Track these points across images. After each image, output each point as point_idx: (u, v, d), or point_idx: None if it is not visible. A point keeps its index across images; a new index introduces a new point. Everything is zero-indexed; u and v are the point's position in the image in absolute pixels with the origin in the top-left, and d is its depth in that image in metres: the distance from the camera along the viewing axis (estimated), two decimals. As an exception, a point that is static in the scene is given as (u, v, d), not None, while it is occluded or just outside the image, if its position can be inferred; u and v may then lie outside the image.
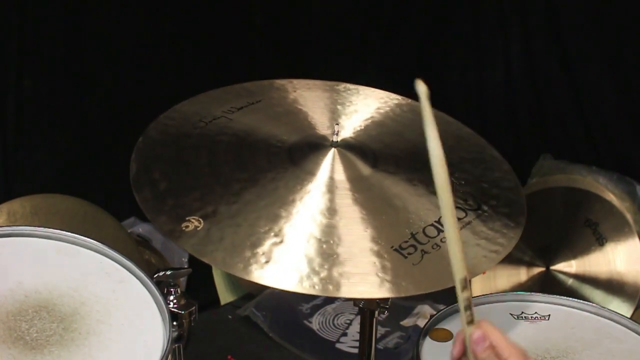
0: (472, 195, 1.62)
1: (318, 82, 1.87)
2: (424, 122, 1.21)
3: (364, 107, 1.80)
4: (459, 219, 1.55)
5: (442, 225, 1.53)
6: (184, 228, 1.45)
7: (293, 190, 1.53)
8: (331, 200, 1.53)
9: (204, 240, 1.44)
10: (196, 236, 1.45)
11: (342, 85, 1.86)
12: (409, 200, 1.57)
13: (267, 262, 1.42)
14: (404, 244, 1.48)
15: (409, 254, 1.47)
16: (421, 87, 1.24)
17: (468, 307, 1.22)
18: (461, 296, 1.22)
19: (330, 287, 1.40)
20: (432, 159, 1.20)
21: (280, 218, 1.48)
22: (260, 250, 1.43)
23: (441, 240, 1.51)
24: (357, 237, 1.48)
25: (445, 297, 1.38)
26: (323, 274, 1.41)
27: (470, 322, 1.23)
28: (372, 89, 1.86)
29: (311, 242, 1.45)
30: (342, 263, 1.43)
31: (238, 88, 1.82)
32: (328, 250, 1.44)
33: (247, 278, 1.40)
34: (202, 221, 1.47)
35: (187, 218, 1.47)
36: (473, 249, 1.52)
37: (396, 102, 1.84)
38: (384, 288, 1.42)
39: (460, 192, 1.62)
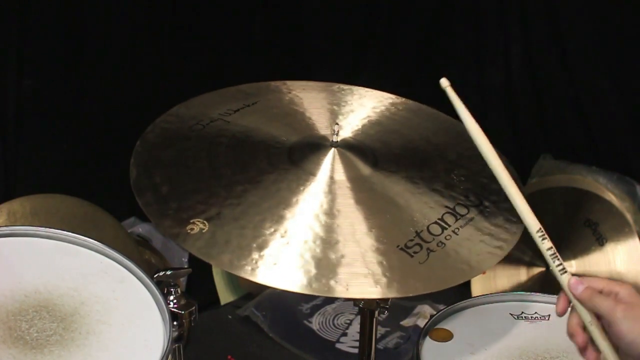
0: (473, 192, 1.62)
1: (312, 83, 1.87)
2: (457, 110, 1.42)
3: (359, 106, 1.81)
4: (461, 215, 1.56)
5: (446, 222, 1.53)
6: (189, 231, 1.45)
7: (296, 191, 1.53)
8: (334, 201, 1.53)
9: (210, 242, 1.44)
10: (202, 239, 1.45)
11: (337, 86, 1.87)
12: (411, 198, 1.57)
13: (274, 264, 1.42)
14: (409, 243, 1.48)
15: (415, 252, 1.47)
16: (444, 82, 1.45)
17: (555, 257, 1.30)
18: (544, 248, 1.30)
19: (340, 288, 1.40)
20: (472, 132, 1.41)
21: (285, 219, 1.48)
22: (267, 252, 1.43)
23: (446, 238, 1.51)
24: (362, 236, 1.48)
25: (446, 297, 1.39)
26: (332, 275, 1.41)
27: (563, 271, 1.29)
28: (366, 89, 1.87)
29: (317, 243, 1.45)
30: (349, 264, 1.43)
31: (233, 90, 1.82)
32: (335, 251, 1.44)
33: (255, 280, 1.40)
34: (206, 223, 1.47)
35: (191, 221, 1.47)
36: (477, 245, 1.52)
37: (390, 101, 1.85)
38: (392, 288, 1.42)
39: (461, 189, 1.62)
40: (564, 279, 1.29)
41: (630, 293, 1.28)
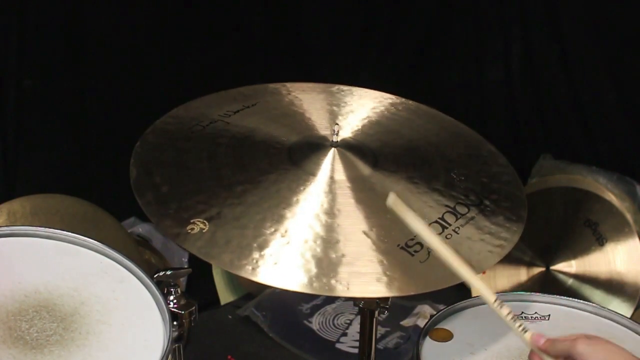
0: (473, 191, 1.62)
1: (311, 85, 1.88)
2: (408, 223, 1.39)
3: (359, 107, 1.81)
4: (462, 214, 1.56)
5: (446, 221, 1.53)
6: (189, 231, 1.45)
7: (296, 191, 1.53)
8: (334, 200, 1.53)
9: (211, 242, 1.44)
10: (202, 239, 1.45)
11: (336, 87, 1.87)
12: (411, 198, 1.57)
13: (275, 263, 1.42)
14: (409, 242, 1.49)
15: (416, 251, 1.47)
16: (391, 198, 1.41)
17: (515, 320, 1.35)
18: (504, 315, 1.35)
19: (341, 287, 1.40)
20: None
21: (285, 219, 1.48)
22: (267, 251, 1.43)
23: (446, 237, 1.51)
24: (362, 236, 1.48)
25: (445, 297, 1.39)
26: (332, 274, 1.41)
27: (524, 331, 1.34)
28: (365, 90, 1.87)
29: (318, 243, 1.45)
30: (350, 263, 1.43)
31: (232, 92, 1.82)
32: (336, 250, 1.44)
33: (256, 280, 1.40)
34: (207, 223, 1.47)
35: (192, 221, 1.47)
36: (478, 244, 1.52)
37: (390, 101, 1.85)
38: (393, 286, 1.42)
39: (461, 188, 1.62)
40: (526, 337, 1.34)
41: (589, 335, 1.34)
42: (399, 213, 1.39)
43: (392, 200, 1.40)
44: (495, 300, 1.36)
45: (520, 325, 1.35)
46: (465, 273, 1.37)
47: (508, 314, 1.36)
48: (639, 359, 1.30)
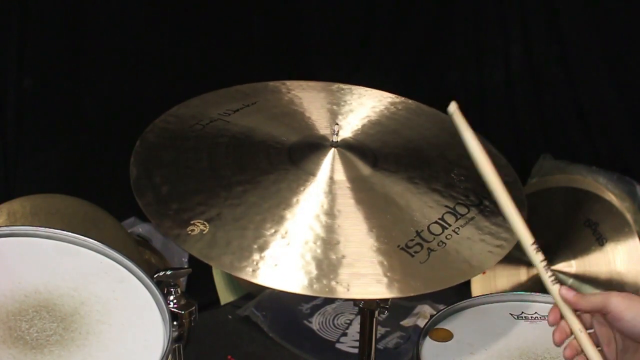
0: (473, 191, 1.62)
1: (312, 83, 1.87)
2: (462, 136, 1.38)
3: (359, 106, 1.80)
4: (461, 215, 1.56)
5: (446, 222, 1.53)
6: (189, 232, 1.45)
7: (296, 192, 1.53)
8: (334, 201, 1.53)
9: (211, 243, 1.44)
10: (202, 240, 1.44)
11: (335, 86, 1.87)
12: (412, 198, 1.57)
13: (276, 265, 1.42)
14: (410, 243, 1.48)
15: (416, 252, 1.47)
16: (452, 107, 1.41)
17: (547, 269, 1.32)
18: (537, 260, 1.32)
19: (341, 288, 1.40)
20: (476, 158, 1.38)
21: (285, 220, 1.48)
22: (268, 253, 1.43)
23: (446, 237, 1.51)
24: (363, 237, 1.48)
25: (445, 297, 1.39)
26: (332, 275, 1.41)
27: (555, 281, 1.32)
28: (365, 89, 1.87)
29: (318, 244, 1.45)
30: (350, 264, 1.43)
31: (232, 91, 1.82)
32: (336, 252, 1.44)
33: (256, 282, 1.40)
34: (207, 225, 1.46)
35: (192, 222, 1.46)
36: (478, 244, 1.52)
37: (390, 100, 1.85)
38: (393, 288, 1.42)
39: (461, 188, 1.62)
40: (555, 289, 1.31)
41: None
42: (458, 125, 1.38)
43: (453, 109, 1.39)
44: (533, 244, 1.33)
45: (552, 276, 1.32)
46: (508, 206, 1.34)
47: (542, 260, 1.33)
48: None
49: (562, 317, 1.31)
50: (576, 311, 1.31)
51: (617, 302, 1.28)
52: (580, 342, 1.29)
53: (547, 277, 1.32)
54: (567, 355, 1.31)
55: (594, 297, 1.30)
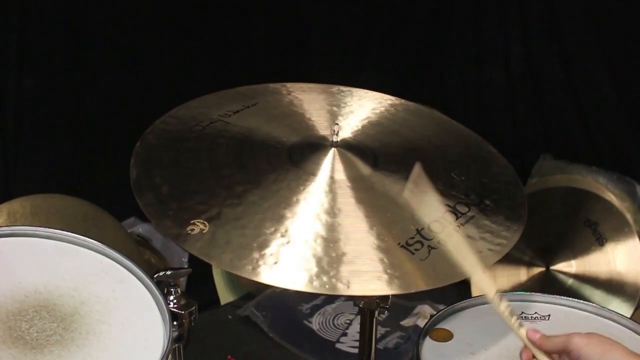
0: (474, 190, 1.62)
1: (312, 85, 1.87)
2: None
3: (359, 107, 1.81)
4: (462, 213, 1.56)
5: (446, 220, 1.53)
6: (189, 231, 1.45)
7: (296, 191, 1.53)
8: (334, 200, 1.53)
9: (211, 243, 1.44)
10: (202, 239, 1.45)
11: (336, 88, 1.87)
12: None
13: (275, 263, 1.42)
14: (410, 240, 1.49)
15: (416, 250, 1.47)
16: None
17: (512, 314, 1.37)
18: (502, 308, 1.37)
19: (341, 285, 1.40)
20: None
21: (286, 219, 1.48)
22: (268, 251, 1.43)
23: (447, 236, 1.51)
24: (363, 235, 1.48)
25: (445, 297, 1.39)
26: (332, 273, 1.41)
27: (520, 325, 1.36)
28: (366, 91, 1.87)
29: (318, 242, 1.45)
30: (351, 261, 1.43)
31: (232, 92, 1.82)
32: (336, 249, 1.44)
33: (256, 280, 1.40)
34: (207, 224, 1.46)
35: (192, 221, 1.47)
36: (478, 242, 1.53)
37: (390, 102, 1.85)
38: (394, 285, 1.42)
39: (461, 188, 1.62)
40: (522, 332, 1.36)
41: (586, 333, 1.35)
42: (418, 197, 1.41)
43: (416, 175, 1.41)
44: (495, 293, 1.36)
45: (516, 320, 1.36)
46: (469, 265, 1.38)
47: (505, 307, 1.37)
48: (634, 352, 1.30)
49: (533, 356, 1.35)
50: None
51: (577, 342, 1.31)
52: None
53: (513, 323, 1.37)
54: None
55: (557, 339, 1.34)
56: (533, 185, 2.86)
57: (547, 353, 1.34)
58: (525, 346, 1.36)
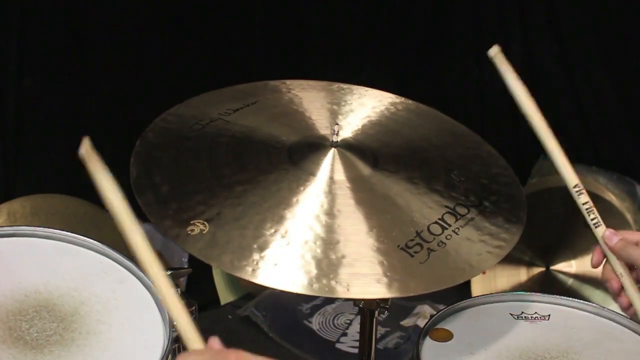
0: (473, 192, 1.62)
1: (312, 83, 1.87)
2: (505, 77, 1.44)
3: (359, 106, 1.81)
4: (461, 215, 1.56)
5: (446, 222, 1.53)
6: (189, 232, 1.45)
7: (296, 192, 1.53)
8: (334, 201, 1.53)
9: (211, 243, 1.44)
10: (202, 240, 1.44)
11: (336, 85, 1.87)
12: (411, 198, 1.57)
13: (275, 264, 1.42)
14: (409, 243, 1.48)
15: (416, 252, 1.47)
16: (494, 51, 1.48)
17: (591, 211, 1.34)
18: (580, 202, 1.35)
19: (340, 288, 1.40)
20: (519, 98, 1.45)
21: (285, 220, 1.48)
22: (267, 252, 1.43)
23: (446, 237, 1.51)
24: (362, 237, 1.48)
25: (445, 297, 1.39)
26: (332, 275, 1.41)
27: (597, 225, 1.34)
28: (366, 89, 1.87)
29: (318, 244, 1.45)
30: (350, 264, 1.43)
31: (232, 90, 1.82)
32: (335, 251, 1.44)
33: (256, 281, 1.40)
34: (207, 224, 1.46)
35: (191, 222, 1.46)
36: (477, 245, 1.52)
37: (390, 100, 1.85)
38: (393, 287, 1.42)
39: (461, 189, 1.62)
40: (598, 232, 1.31)
41: None
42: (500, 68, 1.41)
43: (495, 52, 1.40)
44: (576, 186, 1.32)
45: (595, 219, 1.32)
46: (552, 143, 1.34)
47: (585, 203, 1.33)
48: None
49: (604, 257, 1.32)
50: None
51: None
52: (624, 286, 1.30)
53: (590, 221, 1.34)
54: (613, 288, 1.31)
55: (634, 252, 1.30)
56: (533, 185, 2.86)
57: (621, 261, 1.30)
58: (597, 250, 1.32)
